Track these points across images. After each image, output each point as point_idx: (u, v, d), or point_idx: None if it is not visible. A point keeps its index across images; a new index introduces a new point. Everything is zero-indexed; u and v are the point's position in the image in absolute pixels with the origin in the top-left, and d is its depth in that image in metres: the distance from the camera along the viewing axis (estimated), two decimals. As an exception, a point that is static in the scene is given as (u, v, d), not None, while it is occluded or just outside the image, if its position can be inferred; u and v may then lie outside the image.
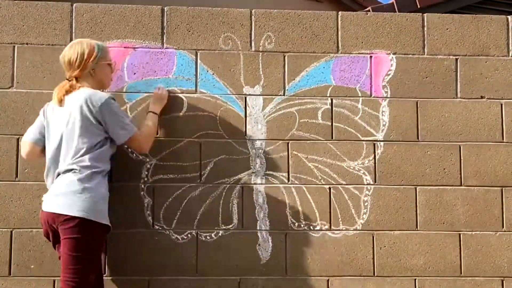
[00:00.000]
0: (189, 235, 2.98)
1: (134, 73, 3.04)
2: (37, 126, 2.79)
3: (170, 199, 2.99)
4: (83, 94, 2.64)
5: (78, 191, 2.54)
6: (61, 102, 2.67)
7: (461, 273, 3.05)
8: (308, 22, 3.13)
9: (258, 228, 3.01)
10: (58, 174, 2.64)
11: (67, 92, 2.67)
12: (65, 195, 2.56)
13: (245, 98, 3.08)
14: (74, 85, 2.68)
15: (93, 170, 2.60)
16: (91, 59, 2.69)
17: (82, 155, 2.60)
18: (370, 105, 3.10)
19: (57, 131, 2.68)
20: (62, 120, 2.67)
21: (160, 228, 2.97)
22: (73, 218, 2.52)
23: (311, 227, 3.03)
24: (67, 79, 2.72)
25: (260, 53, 3.10)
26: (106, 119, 2.64)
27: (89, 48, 2.70)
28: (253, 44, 3.10)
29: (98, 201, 2.59)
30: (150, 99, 2.95)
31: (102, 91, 2.77)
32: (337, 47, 3.13)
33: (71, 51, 2.70)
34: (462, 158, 3.11)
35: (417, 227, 3.07)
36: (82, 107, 2.61)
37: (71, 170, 2.59)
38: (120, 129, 2.68)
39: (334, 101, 3.10)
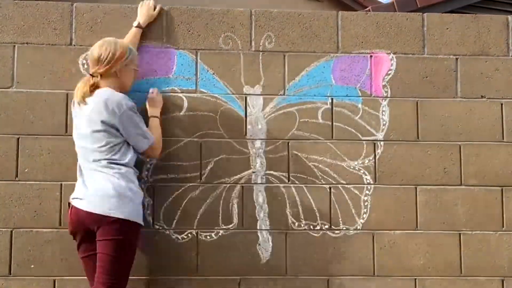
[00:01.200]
0: (189, 235, 2.98)
1: (134, 73, 3.03)
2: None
3: (170, 199, 2.99)
4: (104, 96, 2.64)
5: (122, 193, 2.58)
6: (83, 100, 2.67)
7: (461, 273, 3.06)
8: (308, 22, 3.13)
9: (258, 228, 3.01)
10: (87, 173, 2.65)
11: (90, 90, 2.67)
12: (109, 197, 2.56)
13: (245, 98, 3.08)
14: (97, 82, 2.69)
15: (128, 169, 2.64)
16: (121, 60, 2.70)
17: (112, 155, 2.62)
18: (370, 105, 3.10)
19: (82, 128, 2.68)
20: (86, 118, 2.66)
21: (160, 228, 2.97)
22: (118, 220, 2.55)
23: (311, 227, 3.03)
24: (90, 75, 2.72)
25: (260, 53, 3.10)
26: (126, 127, 2.65)
27: (121, 49, 2.70)
28: (253, 44, 3.10)
29: (138, 202, 2.64)
30: (146, 103, 2.94)
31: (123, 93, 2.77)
32: (337, 47, 3.13)
33: (103, 48, 2.69)
34: (462, 158, 3.11)
35: (417, 227, 3.07)
36: (103, 110, 2.61)
37: (106, 168, 2.61)
38: (142, 137, 2.71)
39: (334, 101, 3.10)
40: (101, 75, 2.69)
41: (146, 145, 2.73)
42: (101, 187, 2.59)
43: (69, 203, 2.70)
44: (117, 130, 2.64)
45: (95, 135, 2.63)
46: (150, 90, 2.97)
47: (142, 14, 2.99)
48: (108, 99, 2.63)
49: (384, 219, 3.06)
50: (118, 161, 2.63)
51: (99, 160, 2.63)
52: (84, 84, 2.71)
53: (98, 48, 2.70)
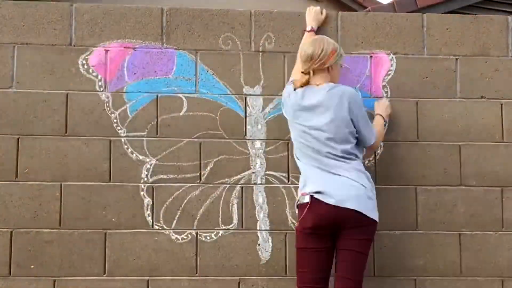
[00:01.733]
0: (189, 235, 2.99)
1: (134, 73, 3.04)
2: None
3: (170, 199, 2.99)
4: (341, 89, 2.72)
5: (373, 195, 2.71)
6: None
7: (461, 273, 3.05)
8: (308, 22, 3.12)
9: (258, 228, 3.01)
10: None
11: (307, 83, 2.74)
12: (369, 198, 2.67)
13: (245, 98, 3.08)
14: (311, 78, 2.73)
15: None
16: (333, 56, 2.74)
17: (355, 150, 2.72)
18: (370, 105, 3.10)
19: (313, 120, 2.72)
20: (317, 110, 2.70)
21: (160, 228, 2.97)
22: (374, 222, 2.67)
23: (311, 227, 3.02)
24: (302, 72, 2.76)
25: (260, 53, 3.10)
26: (359, 120, 2.73)
27: (332, 47, 2.75)
28: (253, 44, 3.10)
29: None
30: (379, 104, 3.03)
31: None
32: (337, 47, 3.12)
33: (315, 45, 2.73)
34: (462, 158, 3.11)
35: (417, 227, 3.07)
36: (342, 102, 2.68)
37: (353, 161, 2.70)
38: (370, 130, 2.79)
39: (334, 101, 3.09)
40: (313, 72, 2.73)
41: (374, 138, 2.79)
42: (356, 185, 2.65)
43: (311, 196, 2.64)
44: (351, 122, 2.71)
45: (332, 127, 2.68)
46: (379, 99, 3.08)
47: (312, 19, 3.07)
48: (348, 92, 2.73)
49: (384, 219, 3.05)
50: (358, 155, 2.74)
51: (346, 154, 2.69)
52: (300, 81, 2.77)
53: (311, 47, 2.74)
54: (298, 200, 2.73)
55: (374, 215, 2.67)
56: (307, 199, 2.64)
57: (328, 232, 2.65)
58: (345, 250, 2.64)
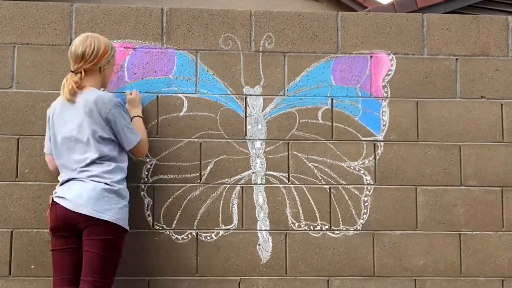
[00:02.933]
0: (189, 235, 2.99)
1: (134, 73, 3.04)
2: (48, 136, 2.77)
3: (170, 199, 2.99)
4: (93, 96, 2.62)
5: (111, 197, 2.59)
6: (72, 96, 2.63)
7: (461, 273, 3.06)
8: (308, 22, 3.13)
9: (258, 228, 3.01)
10: (70, 177, 2.62)
11: (78, 87, 2.63)
12: (96, 199, 2.55)
13: (245, 98, 3.08)
14: (81, 78, 2.64)
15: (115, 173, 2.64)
16: (105, 56, 2.68)
17: (102, 160, 2.61)
18: (370, 105, 3.10)
19: (67, 129, 2.64)
20: (71, 120, 2.64)
21: (160, 228, 2.97)
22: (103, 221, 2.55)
23: (311, 227, 3.03)
24: (72, 71, 2.67)
25: (260, 53, 3.10)
26: (116, 123, 2.63)
27: (104, 45, 2.68)
28: (253, 44, 3.10)
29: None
30: (127, 105, 2.88)
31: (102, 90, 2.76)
32: (337, 47, 3.13)
33: (86, 43, 2.65)
34: (462, 158, 3.11)
35: (417, 227, 3.07)
36: (92, 110, 2.60)
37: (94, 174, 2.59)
38: (130, 133, 2.68)
39: (334, 101, 3.10)
40: (84, 72, 2.66)
41: (135, 142, 2.69)
42: (81, 189, 2.58)
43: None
44: (108, 129, 2.63)
45: (85, 138, 2.61)
46: (127, 92, 2.95)
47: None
48: (99, 98, 2.61)
49: (384, 220, 3.06)
50: (106, 167, 2.62)
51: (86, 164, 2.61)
52: (68, 81, 2.66)
53: (82, 44, 2.65)
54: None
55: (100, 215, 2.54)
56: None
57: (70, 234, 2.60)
58: (84, 252, 2.57)
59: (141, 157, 2.90)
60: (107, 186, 2.58)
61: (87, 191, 2.55)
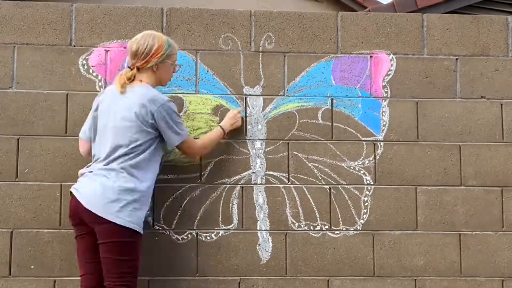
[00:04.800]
0: (189, 235, 2.99)
1: (134, 73, 3.03)
2: (88, 123, 2.77)
3: (170, 199, 2.99)
4: (143, 92, 2.63)
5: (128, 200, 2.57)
6: (123, 88, 2.65)
7: (461, 273, 3.06)
8: (308, 22, 3.13)
9: (258, 228, 3.01)
10: (96, 166, 2.63)
11: (129, 79, 2.66)
12: (113, 202, 2.54)
13: (245, 98, 3.08)
14: (134, 74, 2.67)
15: (141, 173, 2.62)
16: (158, 55, 2.68)
17: (130, 157, 2.60)
18: (370, 105, 3.10)
19: (109, 119, 2.65)
20: (116, 112, 2.64)
21: (160, 228, 2.97)
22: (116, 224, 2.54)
23: (311, 227, 3.03)
24: (129, 67, 2.72)
25: (260, 53, 3.10)
26: (161, 121, 2.63)
27: (158, 43, 2.68)
28: (253, 44, 3.10)
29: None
30: (227, 114, 2.97)
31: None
32: (337, 47, 3.13)
33: (141, 41, 2.67)
34: (462, 158, 3.11)
35: (417, 227, 3.07)
36: (140, 106, 2.60)
37: (116, 170, 2.58)
38: (173, 133, 2.67)
39: (334, 101, 3.10)
40: (138, 69, 2.68)
41: (178, 141, 2.70)
42: (101, 188, 2.58)
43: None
44: (152, 126, 2.63)
45: (125, 131, 2.61)
46: (240, 109, 3.01)
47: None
48: (149, 95, 2.62)
49: (384, 220, 3.06)
50: (132, 166, 2.62)
51: (116, 162, 2.60)
52: (122, 76, 2.68)
53: (138, 41, 2.68)
54: None
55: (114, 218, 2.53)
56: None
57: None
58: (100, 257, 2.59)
59: (192, 159, 2.94)
60: (126, 186, 2.57)
61: (103, 188, 2.55)
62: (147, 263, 2.94)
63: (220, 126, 2.92)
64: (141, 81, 2.69)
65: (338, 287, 3.00)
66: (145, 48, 2.66)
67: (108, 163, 2.60)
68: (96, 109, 2.74)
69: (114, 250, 2.53)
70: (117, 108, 2.65)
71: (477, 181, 3.10)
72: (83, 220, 2.58)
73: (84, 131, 2.79)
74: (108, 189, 2.55)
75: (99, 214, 2.52)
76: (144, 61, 2.67)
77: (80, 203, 2.56)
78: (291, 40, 3.11)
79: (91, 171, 2.64)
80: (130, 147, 2.60)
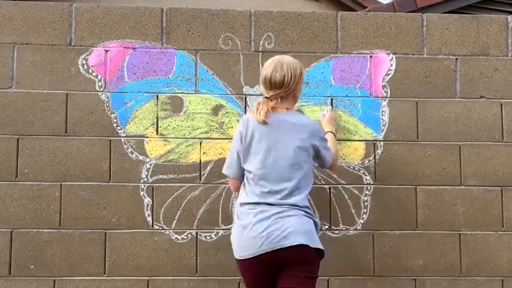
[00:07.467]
0: (189, 235, 2.99)
1: (134, 73, 3.04)
2: (237, 159, 2.57)
3: (170, 199, 2.99)
4: (301, 121, 2.53)
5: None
6: (267, 118, 2.49)
7: (461, 273, 3.06)
8: (308, 22, 3.13)
9: (258, 228, 3.00)
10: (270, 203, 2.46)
11: (273, 109, 2.51)
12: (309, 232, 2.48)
13: (245, 98, 3.08)
14: (278, 103, 2.52)
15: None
16: (301, 80, 2.59)
17: (299, 188, 2.49)
18: (370, 105, 3.10)
19: (264, 151, 2.49)
20: (277, 141, 2.50)
21: (160, 228, 2.98)
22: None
23: (311, 227, 3.02)
24: (267, 97, 2.53)
25: (260, 53, 3.10)
26: (320, 148, 2.56)
27: (300, 69, 2.55)
28: (253, 44, 3.10)
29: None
30: (323, 122, 2.96)
31: None
32: (337, 47, 3.13)
33: (284, 71, 2.50)
34: (462, 158, 3.11)
35: (417, 227, 3.07)
36: (302, 136, 2.50)
37: (299, 207, 2.48)
38: (327, 152, 2.62)
39: (334, 101, 3.10)
40: (281, 98, 2.52)
41: (331, 157, 2.64)
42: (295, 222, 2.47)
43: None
44: (309, 152, 2.53)
45: (290, 163, 2.48)
46: (325, 109, 3.01)
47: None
48: (308, 125, 2.53)
49: (384, 219, 3.06)
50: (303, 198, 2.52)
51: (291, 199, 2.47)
52: (262, 105, 2.52)
53: (280, 71, 2.50)
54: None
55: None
56: None
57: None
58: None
59: (334, 170, 2.95)
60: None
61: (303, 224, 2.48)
62: (147, 263, 2.94)
63: (332, 132, 2.89)
64: (286, 109, 2.55)
65: (338, 287, 3.00)
66: (291, 78, 2.50)
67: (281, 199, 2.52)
68: (244, 143, 2.56)
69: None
70: (273, 139, 2.53)
71: (477, 181, 3.11)
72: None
73: (236, 170, 2.61)
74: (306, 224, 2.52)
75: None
76: (291, 89, 2.53)
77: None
78: (291, 40, 3.11)
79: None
80: None
